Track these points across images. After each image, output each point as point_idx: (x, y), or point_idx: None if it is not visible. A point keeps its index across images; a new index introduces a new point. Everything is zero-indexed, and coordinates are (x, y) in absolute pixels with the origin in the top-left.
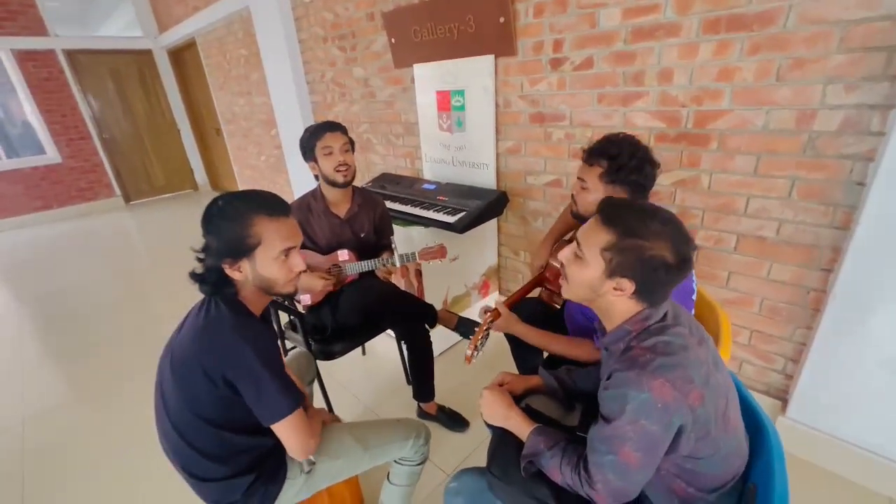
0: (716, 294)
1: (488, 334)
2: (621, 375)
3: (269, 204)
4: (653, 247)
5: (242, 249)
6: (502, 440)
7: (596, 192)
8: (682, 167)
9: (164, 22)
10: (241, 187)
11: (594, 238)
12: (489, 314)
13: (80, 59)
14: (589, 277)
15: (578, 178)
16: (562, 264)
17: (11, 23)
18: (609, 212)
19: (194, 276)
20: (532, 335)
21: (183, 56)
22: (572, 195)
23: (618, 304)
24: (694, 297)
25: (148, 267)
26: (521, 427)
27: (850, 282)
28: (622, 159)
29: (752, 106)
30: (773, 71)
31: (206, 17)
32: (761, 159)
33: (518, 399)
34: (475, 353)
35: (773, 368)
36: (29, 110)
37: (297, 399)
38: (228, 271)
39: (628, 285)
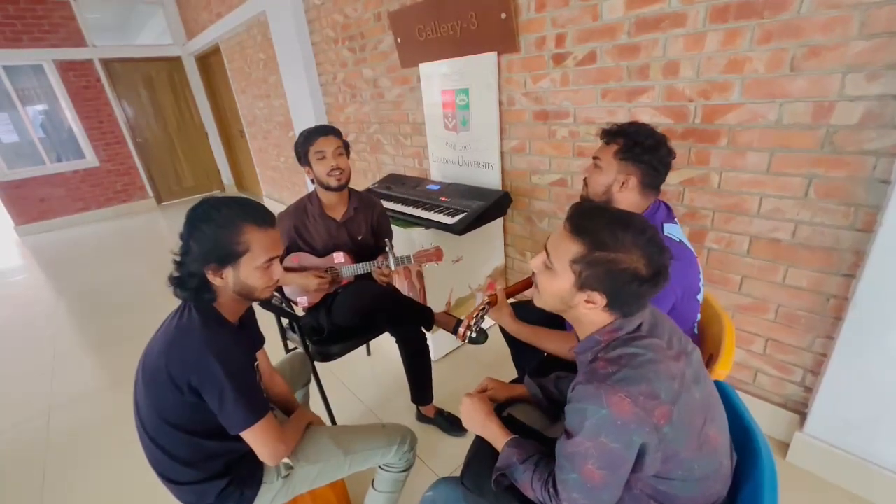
0: (728, 299)
1: (483, 317)
2: (582, 389)
3: (258, 214)
4: (624, 259)
5: (229, 257)
6: (479, 449)
7: (609, 170)
8: (691, 165)
9: (191, 29)
10: (264, 188)
11: (563, 249)
12: (488, 296)
13: (115, 67)
14: (558, 289)
15: (593, 157)
16: (533, 273)
17: (53, 35)
18: (578, 221)
19: (173, 280)
20: (522, 331)
21: (209, 61)
22: (584, 179)
23: (589, 315)
24: (700, 297)
25: None
26: (497, 437)
27: (873, 288)
28: (639, 137)
29: (764, 99)
30: (787, 61)
31: (228, 23)
32: (775, 156)
33: (503, 407)
34: (469, 332)
35: (791, 380)
36: (70, 117)
37: (261, 408)
38: (210, 277)
39: (599, 298)
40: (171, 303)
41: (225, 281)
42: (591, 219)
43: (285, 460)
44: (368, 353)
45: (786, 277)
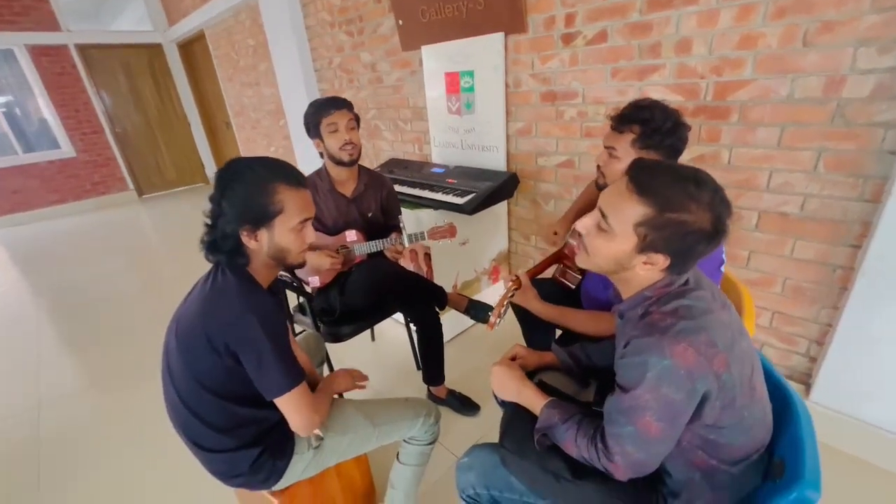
0: (736, 274)
1: (510, 303)
2: (640, 342)
3: (290, 173)
4: (695, 220)
5: (264, 216)
6: (515, 415)
7: (627, 159)
8: (701, 142)
9: (173, 15)
10: None
11: (626, 210)
12: (512, 282)
13: (92, 53)
14: (616, 251)
15: (606, 146)
16: (579, 234)
17: (25, 18)
18: (643, 179)
19: (206, 243)
20: (549, 311)
21: (192, 49)
22: (598, 167)
23: (643, 275)
24: (723, 268)
25: (161, 259)
26: (534, 401)
27: (880, 257)
28: (656, 122)
29: (776, 74)
30: (800, 36)
31: (214, 8)
32: (785, 131)
33: (530, 376)
34: (499, 320)
35: (796, 351)
36: (44, 105)
37: (299, 375)
38: (245, 239)
39: (662, 260)
40: (155, 299)
41: (260, 243)
42: (658, 176)
43: (316, 431)
44: (373, 338)
45: (793, 250)
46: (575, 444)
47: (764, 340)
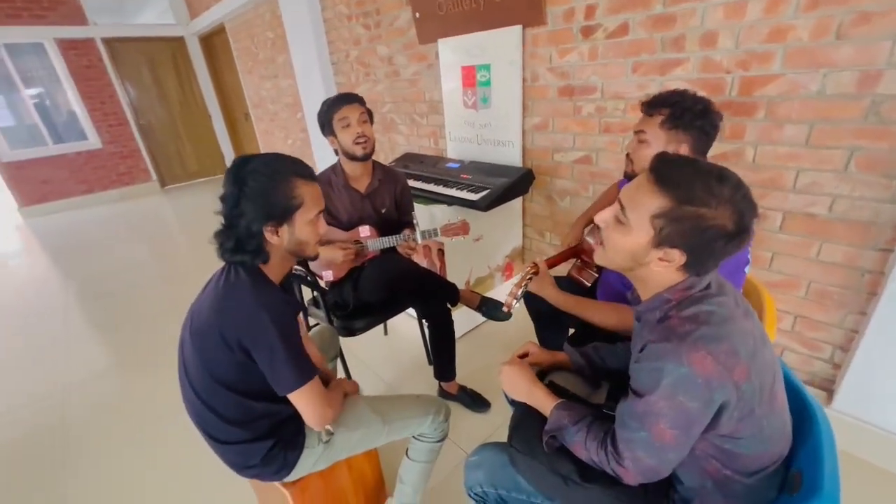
0: (757, 277)
1: (527, 287)
2: (657, 347)
3: (303, 168)
4: (714, 216)
5: (286, 212)
6: (525, 414)
7: (657, 142)
8: (725, 140)
9: (195, 8)
10: None
11: (644, 202)
12: (530, 267)
13: (117, 46)
14: (632, 245)
15: (636, 131)
16: (598, 227)
17: (53, 12)
18: (664, 171)
19: (230, 245)
20: (566, 300)
21: (213, 42)
22: (627, 154)
23: (660, 274)
24: (747, 269)
25: (184, 248)
26: (544, 402)
27: None
28: (686, 104)
29: (807, 69)
30: (833, 28)
31: (234, 1)
32: (814, 128)
33: (541, 375)
34: (515, 302)
35: (820, 357)
36: (72, 97)
37: (311, 371)
38: (268, 236)
39: (678, 256)
40: (176, 286)
41: (280, 238)
42: (679, 168)
43: (327, 426)
44: (385, 332)
45: (819, 253)
46: (584, 447)
47: (785, 345)
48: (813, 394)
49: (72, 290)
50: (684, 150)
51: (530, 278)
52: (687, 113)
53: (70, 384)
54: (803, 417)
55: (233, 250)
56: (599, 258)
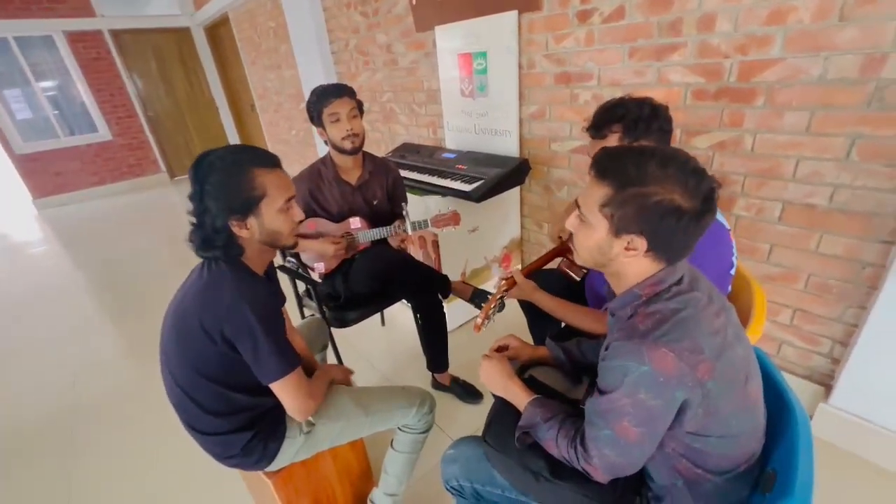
0: (755, 269)
1: (502, 304)
2: (619, 345)
3: (263, 156)
4: (657, 191)
5: (249, 204)
6: (502, 409)
7: None
8: (722, 127)
9: None
10: None
11: (592, 196)
12: (504, 282)
13: (124, 38)
14: (595, 240)
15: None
16: (570, 233)
17: (62, 5)
18: (602, 163)
19: (197, 242)
20: (550, 303)
21: (218, 32)
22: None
23: (631, 265)
24: (732, 271)
25: None
26: (519, 397)
27: None
28: (633, 113)
29: (808, 52)
30: (836, 9)
31: None
32: (815, 115)
33: (523, 369)
34: (486, 322)
35: (818, 351)
36: (82, 90)
37: (294, 360)
38: (236, 230)
39: (639, 242)
40: (184, 275)
41: (251, 231)
42: (614, 158)
43: (310, 417)
44: (383, 322)
45: (819, 245)
46: (556, 443)
47: (783, 339)
48: (811, 389)
49: (84, 279)
50: None
51: (502, 296)
52: (640, 122)
53: (82, 369)
54: (781, 415)
55: (203, 247)
56: (577, 259)
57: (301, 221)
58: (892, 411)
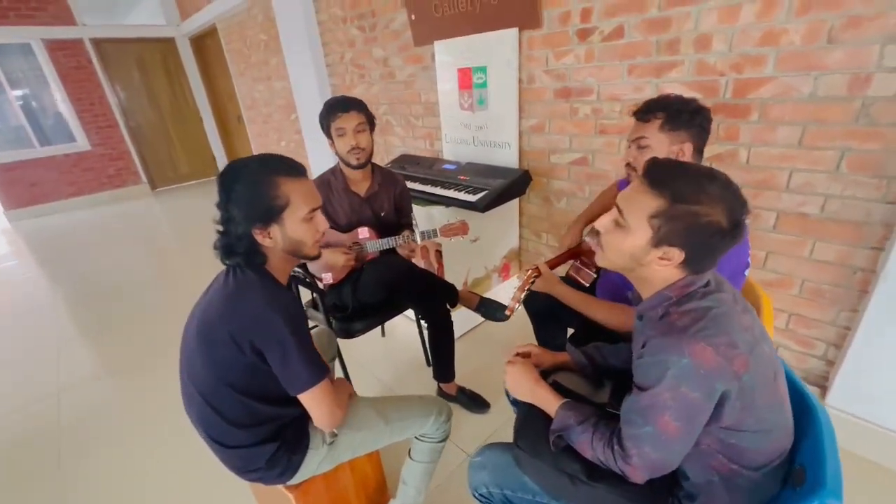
0: (753, 276)
1: (530, 290)
2: (658, 342)
3: (289, 165)
4: (707, 212)
5: (272, 212)
6: (529, 414)
7: (659, 146)
8: (719, 141)
9: (185, 9)
10: None
11: (640, 204)
12: (531, 270)
13: (106, 47)
14: (631, 246)
15: (634, 139)
16: (598, 232)
17: (41, 13)
18: (656, 174)
19: (222, 248)
20: (573, 296)
21: (205, 43)
22: (627, 163)
23: (660, 272)
24: (747, 272)
25: (174, 250)
26: (549, 401)
27: None
28: (678, 105)
29: (799, 71)
30: (824, 32)
31: (226, 2)
32: (807, 130)
33: (545, 375)
34: (518, 305)
35: (813, 354)
36: (60, 99)
37: (323, 370)
38: (259, 238)
39: (677, 254)
40: (167, 289)
41: (274, 240)
42: (670, 171)
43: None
44: (383, 334)
45: (813, 252)
46: (591, 446)
47: (780, 342)
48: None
49: (61, 293)
50: (687, 148)
51: (533, 281)
52: (683, 113)
53: (62, 387)
54: (803, 413)
55: (225, 252)
56: (601, 260)
57: (324, 231)
58: (885, 410)
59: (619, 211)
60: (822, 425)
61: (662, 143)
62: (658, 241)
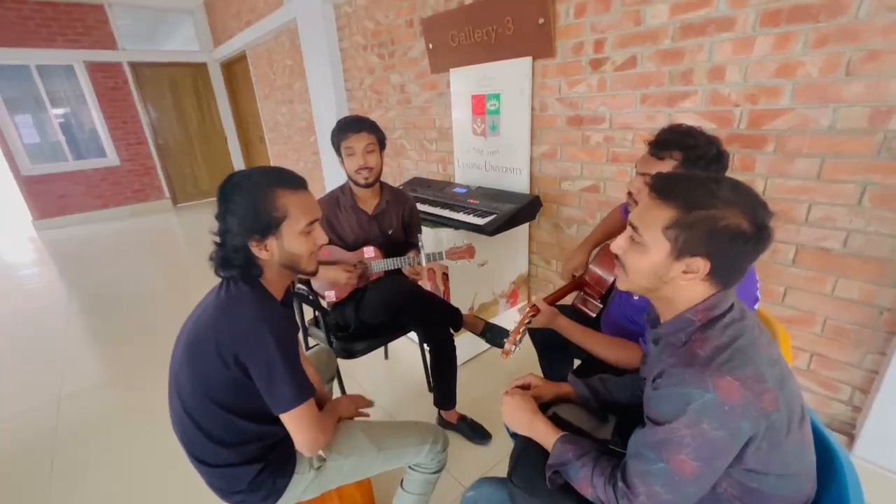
0: (770, 311)
1: (526, 330)
2: (679, 372)
3: (289, 178)
4: (725, 215)
5: (269, 225)
6: (526, 448)
7: None
8: (734, 170)
9: (218, 36)
10: None
11: (653, 217)
12: (529, 309)
13: (142, 70)
14: (652, 263)
15: (643, 173)
16: (616, 256)
17: (86, 38)
18: (664, 186)
19: (217, 260)
20: (575, 331)
21: (234, 68)
22: (629, 194)
23: (686, 289)
24: (756, 306)
25: (189, 264)
26: (546, 435)
27: None
28: (701, 148)
29: (817, 104)
30: (843, 65)
31: (256, 31)
32: (826, 162)
33: (545, 408)
34: (515, 348)
35: (838, 398)
36: (95, 117)
37: (307, 391)
38: (255, 250)
39: (702, 264)
40: (180, 303)
41: (270, 253)
42: (677, 181)
43: (319, 452)
44: (386, 356)
45: (835, 289)
46: (591, 483)
47: (802, 384)
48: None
49: (76, 303)
50: None
51: (529, 321)
52: (701, 160)
53: (66, 396)
54: (825, 460)
55: (221, 264)
56: (623, 284)
57: (322, 246)
58: None
59: (634, 228)
60: (845, 474)
61: None
62: (679, 253)
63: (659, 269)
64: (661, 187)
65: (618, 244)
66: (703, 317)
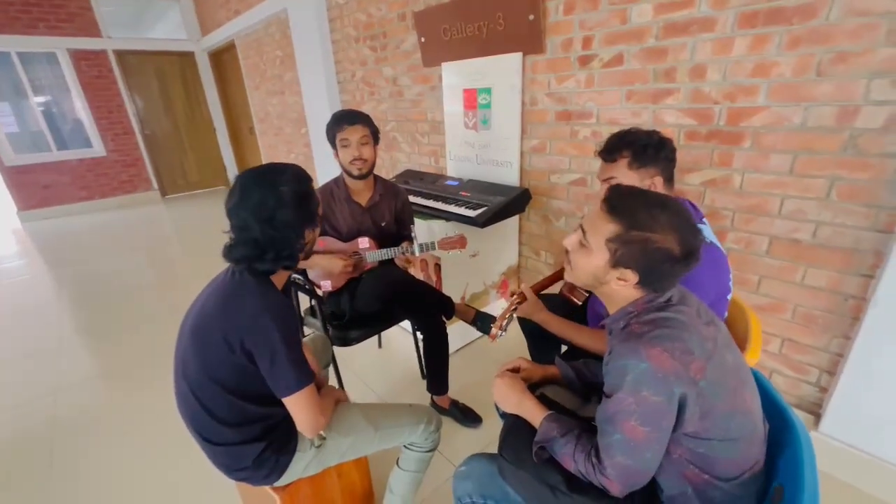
0: (745, 299)
1: (513, 316)
2: (619, 348)
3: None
4: (659, 239)
5: (316, 215)
6: (515, 425)
7: (629, 183)
8: (713, 166)
9: (206, 25)
10: None
11: (599, 228)
12: (515, 296)
13: (128, 59)
14: (593, 266)
15: (604, 180)
16: (567, 251)
17: (69, 24)
18: (615, 202)
19: (254, 249)
20: (555, 324)
21: (222, 58)
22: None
23: (621, 291)
24: (729, 296)
25: (179, 256)
26: (534, 413)
27: (893, 288)
28: (643, 140)
29: (790, 102)
30: (814, 66)
31: (246, 20)
32: (798, 158)
33: (533, 389)
34: (501, 332)
35: (806, 380)
36: (80, 106)
37: (309, 375)
38: (308, 238)
39: (631, 276)
40: (171, 294)
41: (308, 242)
42: (627, 199)
43: (320, 432)
44: (380, 345)
45: (804, 277)
46: (573, 458)
47: (773, 368)
48: (801, 417)
49: (65, 295)
50: (658, 181)
51: (515, 308)
52: (648, 148)
53: (58, 388)
54: (783, 431)
55: (274, 259)
56: (568, 276)
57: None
58: (879, 439)
59: (584, 232)
60: (801, 444)
61: (633, 181)
62: (615, 263)
63: (598, 273)
64: (612, 203)
65: (569, 241)
66: (642, 307)
